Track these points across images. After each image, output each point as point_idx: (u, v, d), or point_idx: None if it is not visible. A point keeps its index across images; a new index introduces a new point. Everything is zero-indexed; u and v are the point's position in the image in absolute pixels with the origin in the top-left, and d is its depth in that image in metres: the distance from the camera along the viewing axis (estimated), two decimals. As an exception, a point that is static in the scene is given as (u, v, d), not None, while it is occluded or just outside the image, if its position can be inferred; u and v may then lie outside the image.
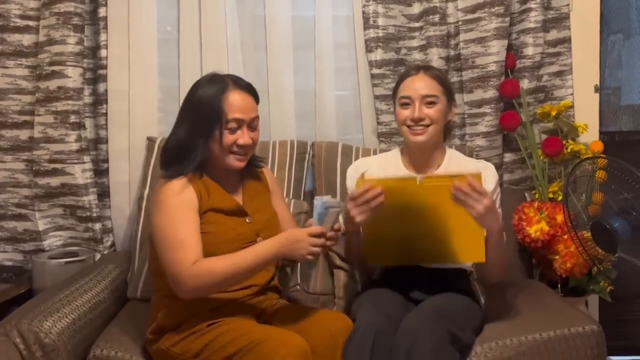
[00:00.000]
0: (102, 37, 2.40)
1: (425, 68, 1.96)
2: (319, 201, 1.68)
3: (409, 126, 1.92)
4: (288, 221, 1.95)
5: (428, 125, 1.90)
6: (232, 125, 1.71)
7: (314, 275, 2.25)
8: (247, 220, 1.79)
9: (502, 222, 1.77)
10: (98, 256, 2.43)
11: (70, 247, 2.46)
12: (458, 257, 1.82)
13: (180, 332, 1.68)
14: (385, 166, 2.02)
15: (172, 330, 1.70)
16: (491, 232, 1.74)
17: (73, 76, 2.32)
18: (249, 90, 1.76)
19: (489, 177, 1.92)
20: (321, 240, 1.61)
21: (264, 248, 1.64)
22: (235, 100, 1.71)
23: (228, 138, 1.72)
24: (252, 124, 1.76)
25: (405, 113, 1.92)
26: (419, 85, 1.90)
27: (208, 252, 1.68)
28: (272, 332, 1.60)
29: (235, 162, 1.76)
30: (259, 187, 1.90)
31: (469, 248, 1.76)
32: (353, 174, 2.03)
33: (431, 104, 1.90)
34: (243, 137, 1.73)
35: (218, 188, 1.77)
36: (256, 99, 1.79)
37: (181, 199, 1.68)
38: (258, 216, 1.82)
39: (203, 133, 1.71)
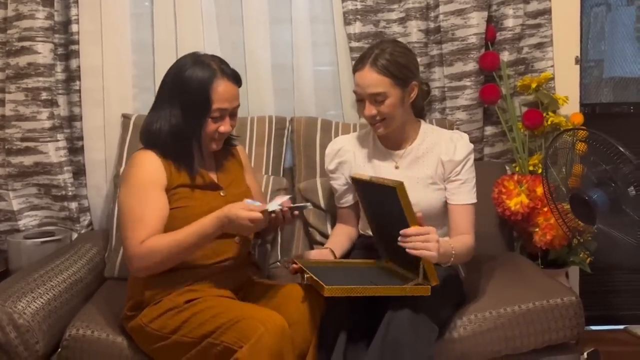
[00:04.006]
0: (73, 11, 2.34)
1: (373, 59, 1.81)
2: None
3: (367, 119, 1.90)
4: (258, 197, 1.93)
5: (383, 119, 1.86)
6: (216, 114, 1.71)
7: (294, 251, 2.25)
8: (221, 194, 1.79)
9: (449, 247, 1.74)
10: (75, 235, 2.40)
11: (46, 226, 2.43)
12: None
13: (158, 309, 1.67)
14: (362, 144, 2.00)
15: (150, 306, 1.69)
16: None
17: (43, 52, 2.27)
18: (235, 78, 1.76)
19: (461, 146, 1.90)
20: (257, 214, 1.58)
21: (203, 226, 1.63)
22: (223, 90, 1.71)
23: (211, 126, 1.73)
24: (234, 112, 1.77)
25: (360, 108, 1.88)
26: (365, 83, 1.82)
27: (184, 227, 1.67)
28: (250, 310, 1.59)
29: (213, 146, 1.78)
30: (232, 162, 1.91)
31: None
32: (330, 152, 2.03)
33: (380, 101, 1.83)
34: (225, 125, 1.74)
35: None
36: (240, 85, 1.78)
37: (149, 176, 1.70)
38: (232, 189, 1.82)
39: (194, 121, 1.71)
